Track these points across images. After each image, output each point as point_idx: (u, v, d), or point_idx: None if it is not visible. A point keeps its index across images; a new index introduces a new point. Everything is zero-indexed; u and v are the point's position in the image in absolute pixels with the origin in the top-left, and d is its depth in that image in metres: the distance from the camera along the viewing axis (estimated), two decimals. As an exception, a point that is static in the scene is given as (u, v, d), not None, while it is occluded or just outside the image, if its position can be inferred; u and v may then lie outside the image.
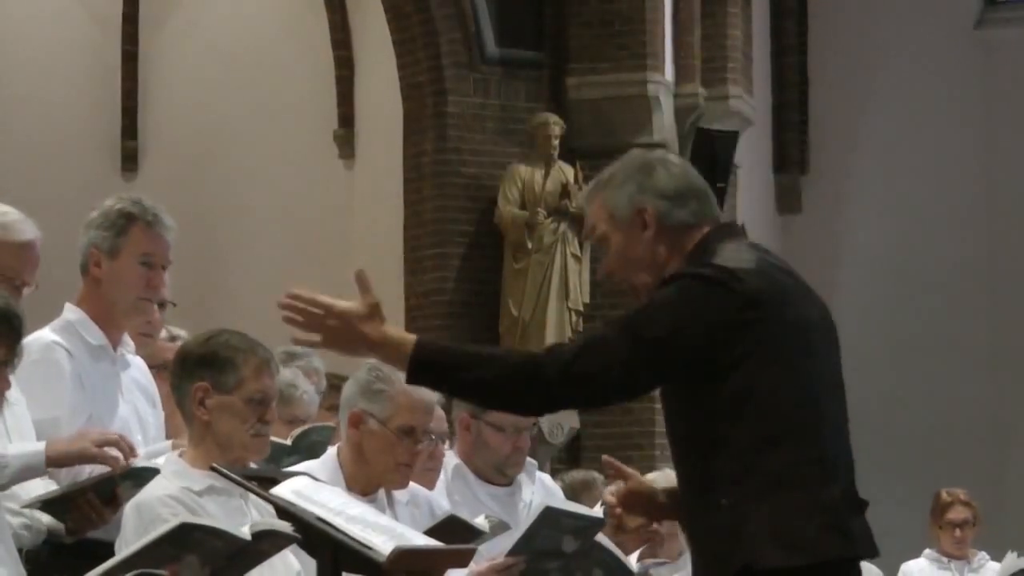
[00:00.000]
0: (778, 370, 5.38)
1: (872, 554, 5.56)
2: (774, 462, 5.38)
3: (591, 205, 5.73)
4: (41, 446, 5.92)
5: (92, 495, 5.96)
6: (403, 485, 6.41)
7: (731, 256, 5.45)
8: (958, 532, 10.91)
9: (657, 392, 5.54)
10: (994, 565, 10.63)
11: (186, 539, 4.77)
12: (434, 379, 5.57)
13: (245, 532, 4.99)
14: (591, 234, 5.69)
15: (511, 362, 5.67)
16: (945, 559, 10.86)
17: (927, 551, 10.93)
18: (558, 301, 14.77)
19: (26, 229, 6.55)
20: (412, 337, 5.46)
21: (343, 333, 5.38)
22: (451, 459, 7.32)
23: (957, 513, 10.95)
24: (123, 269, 6.60)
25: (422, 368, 5.38)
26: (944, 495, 11.05)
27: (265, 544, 5.10)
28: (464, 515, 6.56)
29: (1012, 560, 10.42)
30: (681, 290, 5.38)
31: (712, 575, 5.48)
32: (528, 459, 7.66)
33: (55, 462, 5.93)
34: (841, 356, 5.75)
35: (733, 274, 5.35)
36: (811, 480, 5.39)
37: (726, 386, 5.34)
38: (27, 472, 5.75)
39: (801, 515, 5.39)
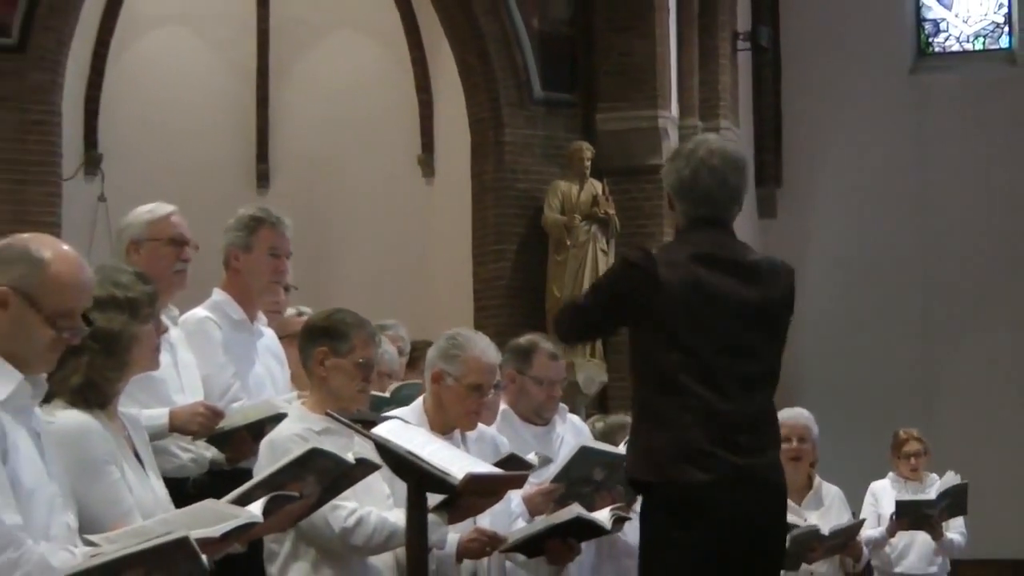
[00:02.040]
0: (663, 337, 5.48)
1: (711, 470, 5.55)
2: (656, 404, 5.49)
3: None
4: (166, 415, 5.94)
5: (246, 433, 5.99)
6: (472, 427, 6.40)
7: (663, 246, 5.79)
8: (913, 460, 10.86)
9: None
10: (937, 482, 10.62)
11: (311, 462, 4.79)
12: None
13: (350, 457, 5.00)
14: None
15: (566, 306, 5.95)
16: (903, 480, 10.81)
17: (890, 474, 10.87)
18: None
19: (167, 205, 6.59)
20: None
21: None
22: (500, 405, 7.33)
23: (911, 447, 10.90)
24: (255, 260, 6.66)
25: None
26: (901, 433, 11.02)
27: (359, 470, 5.11)
28: (515, 450, 6.56)
29: (950, 476, 10.40)
30: (614, 265, 5.77)
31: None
32: (560, 404, 7.67)
33: (176, 428, 5.97)
34: (801, 326, 5.91)
35: (647, 261, 5.55)
36: (674, 421, 5.43)
37: (634, 341, 5.63)
38: (156, 434, 5.71)
39: (661, 446, 5.47)
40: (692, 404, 5.48)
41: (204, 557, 3.95)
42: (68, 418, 4.56)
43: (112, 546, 4.08)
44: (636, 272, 5.52)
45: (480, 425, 6.51)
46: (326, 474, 4.91)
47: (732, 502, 5.47)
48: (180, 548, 3.84)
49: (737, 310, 5.57)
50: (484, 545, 6.10)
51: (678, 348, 5.49)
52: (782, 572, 8.57)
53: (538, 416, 7.40)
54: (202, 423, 6.02)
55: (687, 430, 5.46)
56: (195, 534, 4.13)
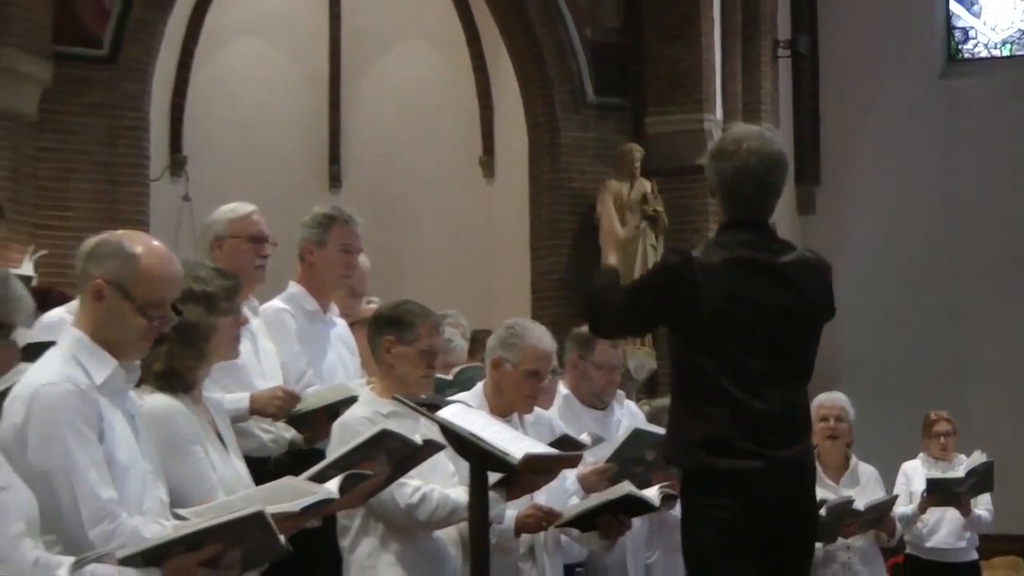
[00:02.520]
0: (699, 338, 5.43)
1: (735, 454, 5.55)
2: (690, 398, 5.47)
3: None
4: (246, 399, 5.98)
5: (323, 414, 6.03)
6: (530, 411, 6.42)
7: (704, 248, 5.59)
8: (942, 440, 10.81)
9: None
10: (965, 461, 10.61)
11: (382, 442, 4.82)
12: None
13: (417, 439, 5.03)
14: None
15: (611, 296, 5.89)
16: (933, 460, 10.77)
17: (921, 454, 10.83)
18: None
19: (248, 205, 6.64)
20: None
21: None
22: (562, 389, 7.34)
23: (941, 427, 10.85)
24: (328, 256, 6.70)
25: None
26: (932, 415, 10.98)
27: (426, 450, 5.14)
28: (572, 432, 6.58)
29: (977, 455, 10.37)
30: (654, 267, 5.68)
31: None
32: (618, 390, 7.69)
33: (256, 411, 6.01)
34: (838, 315, 5.80)
35: (681, 267, 5.47)
36: (708, 416, 5.42)
37: (672, 338, 5.55)
38: (237, 417, 5.76)
39: (694, 436, 5.44)
40: (726, 402, 5.43)
41: (281, 536, 3.97)
42: (155, 401, 4.61)
43: (198, 519, 4.13)
44: (674, 277, 5.45)
45: (536, 408, 6.53)
46: (396, 454, 4.93)
47: (763, 486, 5.44)
48: (256, 522, 3.85)
49: (772, 314, 5.48)
50: (540, 520, 6.12)
51: (713, 350, 5.43)
52: (819, 544, 8.63)
53: (598, 400, 7.43)
54: (280, 406, 6.07)
55: (719, 426, 5.42)
56: (276, 509, 4.16)
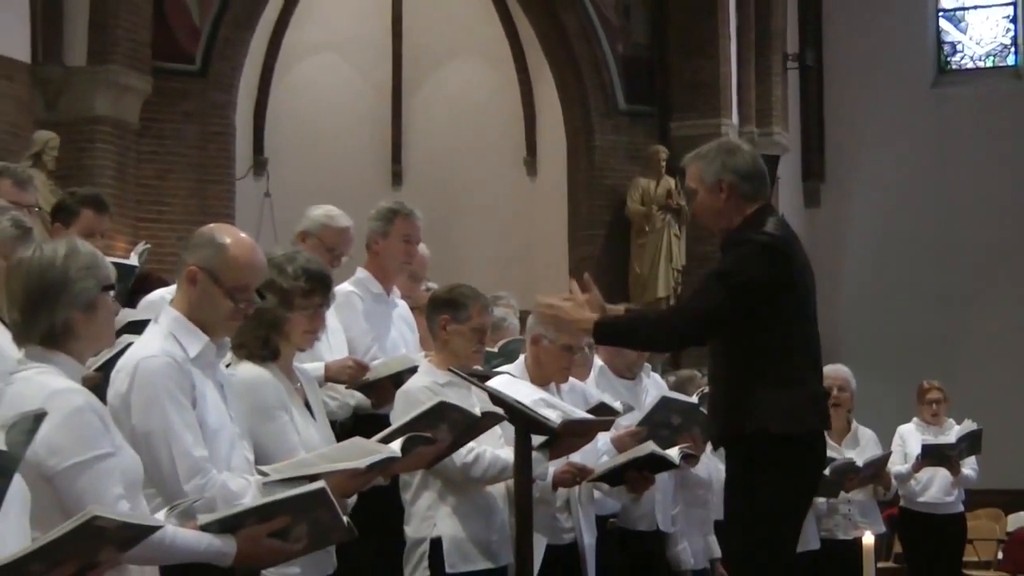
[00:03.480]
0: (795, 312, 5.38)
1: (827, 427, 5.69)
2: (787, 364, 5.38)
3: (690, 168, 5.72)
4: (322, 367, 5.96)
5: (388, 382, 6.04)
6: (565, 380, 6.38)
7: (773, 229, 5.45)
8: (934, 407, 10.74)
9: None
10: (955, 427, 10.60)
11: (442, 413, 4.82)
12: (609, 339, 5.71)
13: (476, 411, 5.03)
14: (687, 188, 5.70)
15: (652, 320, 5.74)
16: (926, 424, 10.71)
17: (915, 419, 10.78)
18: (665, 264, 14.76)
19: (345, 220, 6.66)
20: (595, 317, 5.42)
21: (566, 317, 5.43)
22: (597, 362, 7.33)
23: (933, 395, 10.78)
24: (391, 245, 6.69)
25: (601, 334, 5.47)
26: (924, 384, 10.90)
27: (487, 421, 5.14)
28: (606, 400, 6.58)
29: (967, 423, 10.40)
30: (751, 252, 5.37)
31: (725, 434, 5.52)
32: (645, 363, 7.69)
33: (329, 379, 6.02)
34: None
35: (782, 247, 5.35)
36: (803, 380, 5.40)
37: (757, 315, 5.34)
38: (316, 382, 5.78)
39: (794, 401, 5.39)
40: (810, 363, 5.49)
41: (345, 517, 3.93)
42: (246, 371, 4.62)
43: (278, 475, 4.15)
44: (779, 256, 5.38)
45: (571, 378, 6.54)
46: (457, 425, 4.91)
47: (823, 450, 5.60)
48: (320, 498, 3.77)
49: (812, 285, 5.56)
50: (574, 475, 6.11)
51: (801, 317, 5.43)
52: (823, 498, 8.63)
53: (628, 371, 7.41)
54: (351, 374, 6.07)
55: (812, 384, 5.49)
56: (344, 466, 4.17)
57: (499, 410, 5.27)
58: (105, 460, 3.54)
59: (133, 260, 7.03)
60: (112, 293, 3.79)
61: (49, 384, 3.54)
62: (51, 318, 3.63)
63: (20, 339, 3.70)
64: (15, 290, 3.68)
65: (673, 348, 5.74)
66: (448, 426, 4.85)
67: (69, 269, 3.65)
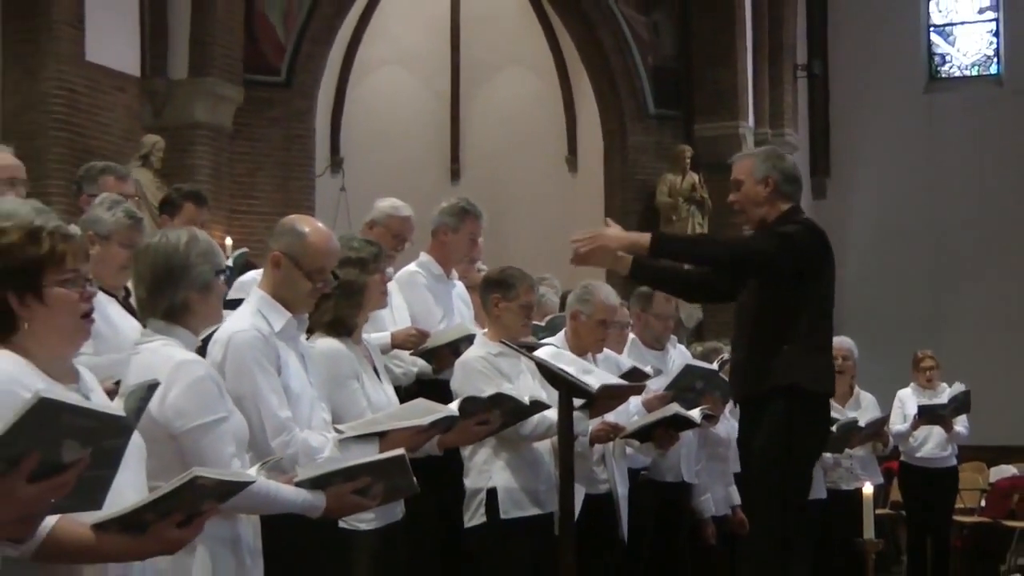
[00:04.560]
0: (825, 288, 5.40)
1: (834, 391, 5.76)
2: (815, 332, 5.41)
3: (742, 162, 5.78)
4: (388, 336, 5.98)
5: (447, 350, 6.03)
6: (600, 351, 6.41)
7: (807, 222, 5.50)
8: (928, 373, 10.70)
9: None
10: (946, 389, 10.58)
11: (498, 401, 4.84)
12: (670, 247, 5.65)
13: (526, 400, 5.04)
14: (735, 179, 5.68)
15: (710, 239, 5.76)
16: (921, 389, 10.66)
17: (911, 384, 10.73)
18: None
19: (407, 210, 6.65)
20: (647, 234, 5.47)
21: (600, 247, 5.40)
22: (631, 336, 7.33)
23: (927, 363, 10.74)
24: (459, 240, 6.66)
25: (660, 248, 5.44)
26: (919, 354, 10.86)
27: (534, 408, 5.16)
28: (637, 365, 6.57)
29: (957, 386, 10.40)
30: (799, 228, 5.40)
31: (753, 390, 5.49)
32: (672, 335, 7.68)
33: (395, 346, 6.01)
34: (844, 277, 5.84)
35: (822, 232, 5.45)
36: (827, 348, 5.43)
37: (798, 284, 5.36)
38: (382, 349, 5.73)
39: (823, 364, 5.41)
40: (830, 339, 5.62)
41: (414, 479, 3.95)
42: (324, 344, 4.65)
43: (352, 432, 4.18)
44: (818, 234, 5.49)
45: (605, 349, 6.53)
46: (509, 412, 4.95)
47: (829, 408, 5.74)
48: (397, 463, 3.82)
49: (834, 267, 5.63)
50: (608, 433, 6.13)
51: (828, 295, 5.51)
52: (829, 453, 8.61)
53: (657, 343, 7.42)
54: (414, 341, 6.05)
55: (829, 354, 5.60)
56: (410, 423, 4.22)
57: (544, 395, 5.31)
58: (222, 423, 3.58)
59: (229, 263, 7.08)
60: (223, 277, 3.82)
61: (174, 355, 3.58)
62: (172, 296, 3.67)
63: (145, 313, 3.75)
64: (142, 271, 3.73)
65: (724, 266, 5.61)
66: (501, 412, 4.88)
67: (190, 255, 3.69)
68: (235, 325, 4.15)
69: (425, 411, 4.35)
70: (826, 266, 5.51)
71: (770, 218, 5.52)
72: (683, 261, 5.90)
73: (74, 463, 2.55)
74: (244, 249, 8.11)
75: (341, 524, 4.34)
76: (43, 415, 2.45)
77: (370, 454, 3.97)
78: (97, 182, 6.15)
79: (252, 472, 3.62)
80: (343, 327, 4.71)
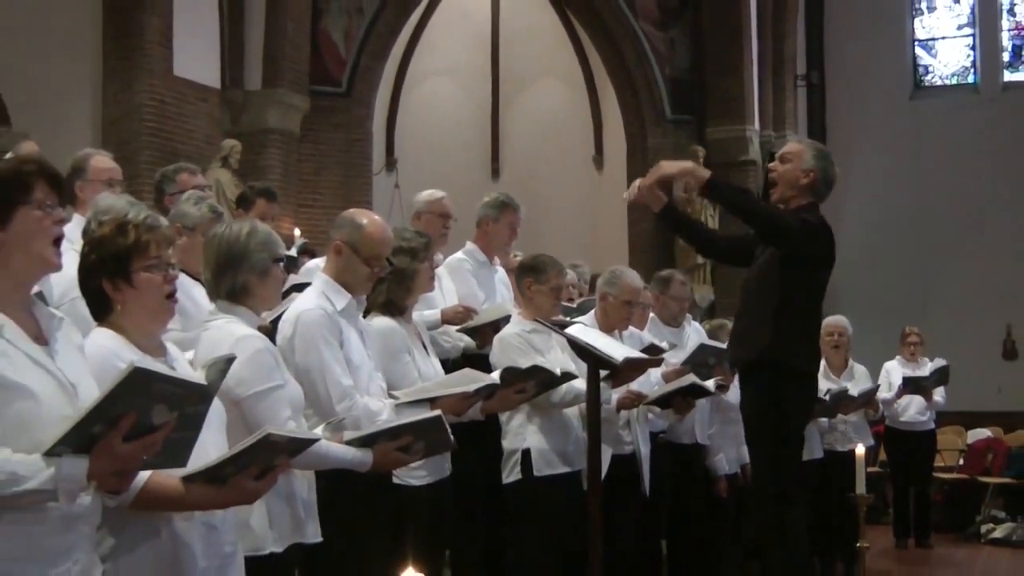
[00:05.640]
0: (820, 281, 5.38)
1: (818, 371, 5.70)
2: (806, 317, 5.36)
3: (800, 145, 5.60)
4: (438, 313, 5.93)
5: (488, 328, 6.01)
6: (626, 328, 6.38)
7: (823, 220, 5.44)
8: (912, 347, 10.66)
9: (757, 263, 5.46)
10: (928, 363, 10.53)
11: (534, 373, 4.82)
12: (719, 195, 5.47)
13: (558, 371, 5.02)
14: (786, 154, 5.54)
15: (756, 198, 5.70)
16: (906, 361, 10.61)
17: (898, 357, 10.69)
18: (702, 238, 14.67)
19: (440, 193, 6.61)
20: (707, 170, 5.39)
21: (660, 175, 5.33)
22: (651, 315, 7.30)
23: (912, 338, 10.70)
24: (499, 230, 6.62)
25: (714, 185, 5.31)
26: (906, 330, 10.81)
27: (564, 379, 5.14)
28: (656, 342, 6.55)
29: (938, 360, 10.36)
30: (820, 222, 5.34)
31: (745, 354, 5.42)
32: (687, 315, 7.64)
33: (445, 322, 5.97)
34: (839, 262, 5.79)
35: (830, 234, 5.39)
36: (812, 333, 5.39)
37: (803, 270, 5.29)
38: (433, 325, 5.75)
39: (809, 346, 5.37)
40: (818, 326, 5.60)
41: (451, 437, 3.97)
42: (380, 323, 4.66)
43: (407, 398, 4.19)
44: (828, 231, 5.39)
45: (630, 327, 6.50)
46: (543, 382, 4.95)
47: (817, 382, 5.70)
48: (436, 424, 3.85)
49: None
50: (633, 400, 6.11)
51: (821, 286, 5.42)
52: (825, 418, 8.56)
53: (674, 320, 7.39)
54: (461, 317, 6.01)
55: (816, 340, 5.56)
56: (456, 390, 4.24)
57: (573, 367, 5.29)
58: (278, 390, 3.58)
59: (292, 252, 7.08)
60: (281, 264, 3.81)
61: (236, 331, 3.59)
62: (234, 279, 3.68)
63: (211, 294, 3.77)
64: (209, 257, 3.74)
65: (757, 223, 5.38)
66: (535, 381, 4.88)
67: (250, 243, 3.70)
68: (302, 305, 4.16)
69: (470, 380, 4.38)
70: (829, 261, 5.44)
71: (792, 204, 5.40)
72: (727, 204, 5.53)
73: (163, 425, 2.58)
74: (304, 240, 8.16)
75: (396, 480, 4.35)
76: (136, 383, 2.49)
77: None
78: (175, 181, 6.17)
79: (318, 432, 3.65)
80: (395, 307, 4.72)
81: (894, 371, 10.55)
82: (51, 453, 2.48)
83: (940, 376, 10.28)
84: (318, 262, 6.03)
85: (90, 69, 11.02)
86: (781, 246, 5.28)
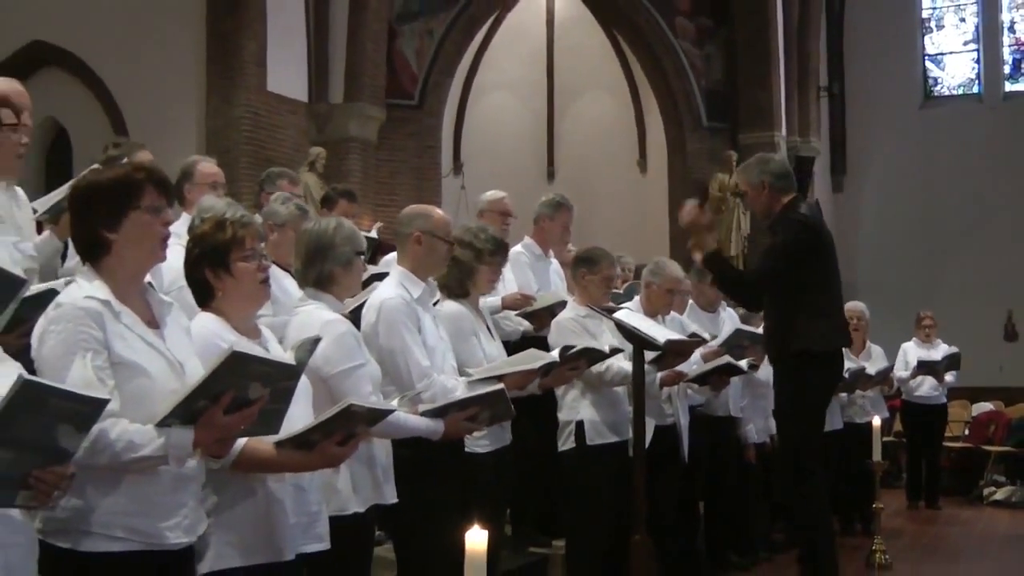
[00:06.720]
0: (823, 267, 5.27)
1: (847, 344, 5.70)
2: (819, 302, 5.32)
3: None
4: (499, 300, 5.89)
5: (545, 312, 5.97)
6: (668, 314, 6.32)
7: (806, 212, 5.41)
8: (927, 330, 10.54)
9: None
10: (942, 345, 10.42)
11: (585, 352, 4.78)
12: (715, 266, 5.59)
13: (606, 348, 4.97)
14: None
15: (742, 278, 5.69)
16: (921, 342, 10.50)
17: (914, 339, 10.60)
18: (736, 232, 14.41)
19: (501, 193, 6.57)
20: (714, 247, 5.49)
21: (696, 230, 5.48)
22: (690, 301, 7.23)
23: (927, 322, 10.58)
24: (555, 227, 6.59)
25: (709, 263, 5.48)
26: (921, 314, 10.70)
27: (612, 354, 5.08)
28: (696, 329, 6.48)
29: (952, 348, 10.32)
30: (792, 226, 5.32)
31: (775, 352, 5.50)
32: (722, 300, 7.57)
33: (505, 307, 5.94)
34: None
35: (812, 225, 5.29)
36: (829, 314, 5.30)
37: (805, 268, 5.24)
38: (495, 310, 5.71)
39: (826, 327, 5.32)
40: (835, 303, 5.47)
41: (512, 407, 3.96)
42: (449, 307, 4.63)
43: (479, 375, 4.19)
44: (814, 231, 5.35)
45: (672, 312, 6.44)
46: (593, 359, 4.92)
47: (841, 361, 5.66)
48: (500, 396, 3.88)
49: (834, 249, 5.51)
50: (674, 379, 6.05)
51: (827, 272, 5.38)
52: (845, 393, 8.47)
53: (710, 307, 7.32)
54: (520, 303, 5.99)
55: (836, 316, 5.46)
56: (521, 367, 4.24)
57: (617, 343, 5.23)
58: (361, 368, 3.59)
59: (373, 234, 7.08)
60: (362, 257, 3.80)
61: (323, 316, 3.60)
62: (320, 268, 3.69)
63: (301, 282, 3.78)
64: (299, 249, 3.77)
65: (753, 286, 5.65)
66: (587, 360, 4.85)
67: (335, 237, 3.71)
68: (384, 294, 4.15)
69: (534, 359, 4.39)
70: (823, 248, 5.39)
71: (777, 209, 5.44)
72: (718, 276, 5.76)
73: (258, 399, 2.61)
74: (379, 223, 8.22)
75: (466, 449, 4.34)
76: (235, 364, 2.52)
77: None
78: (276, 183, 6.20)
79: (395, 404, 3.64)
80: (460, 289, 4.66)
81: (911, 351, 10.49)
82: (162, 424, 2.54)
83: (951, 362, 10.28)
84: (392, 256, 6.01)
85: (195, 86, 11.22)
86: (775, 282, 5.36)
